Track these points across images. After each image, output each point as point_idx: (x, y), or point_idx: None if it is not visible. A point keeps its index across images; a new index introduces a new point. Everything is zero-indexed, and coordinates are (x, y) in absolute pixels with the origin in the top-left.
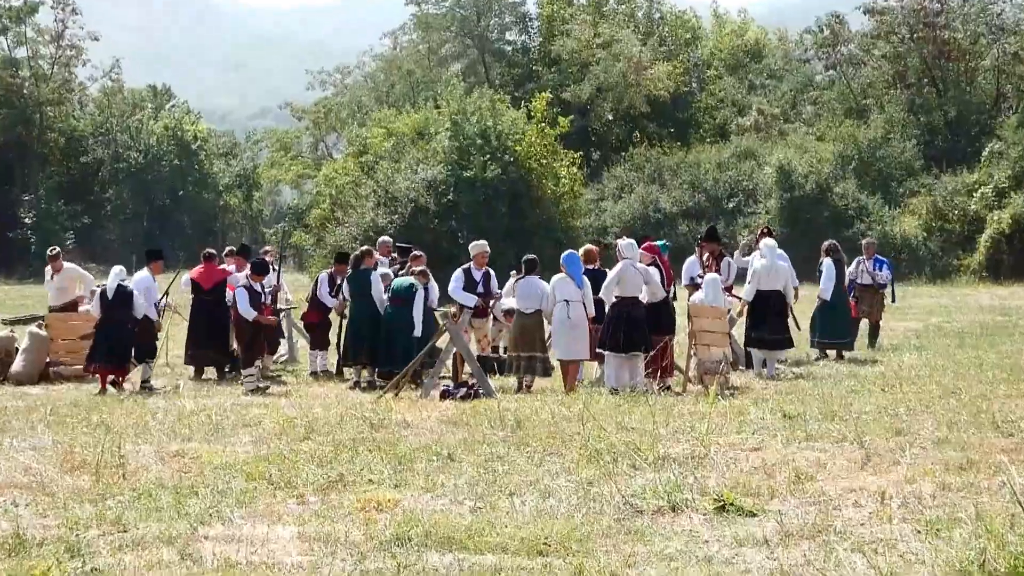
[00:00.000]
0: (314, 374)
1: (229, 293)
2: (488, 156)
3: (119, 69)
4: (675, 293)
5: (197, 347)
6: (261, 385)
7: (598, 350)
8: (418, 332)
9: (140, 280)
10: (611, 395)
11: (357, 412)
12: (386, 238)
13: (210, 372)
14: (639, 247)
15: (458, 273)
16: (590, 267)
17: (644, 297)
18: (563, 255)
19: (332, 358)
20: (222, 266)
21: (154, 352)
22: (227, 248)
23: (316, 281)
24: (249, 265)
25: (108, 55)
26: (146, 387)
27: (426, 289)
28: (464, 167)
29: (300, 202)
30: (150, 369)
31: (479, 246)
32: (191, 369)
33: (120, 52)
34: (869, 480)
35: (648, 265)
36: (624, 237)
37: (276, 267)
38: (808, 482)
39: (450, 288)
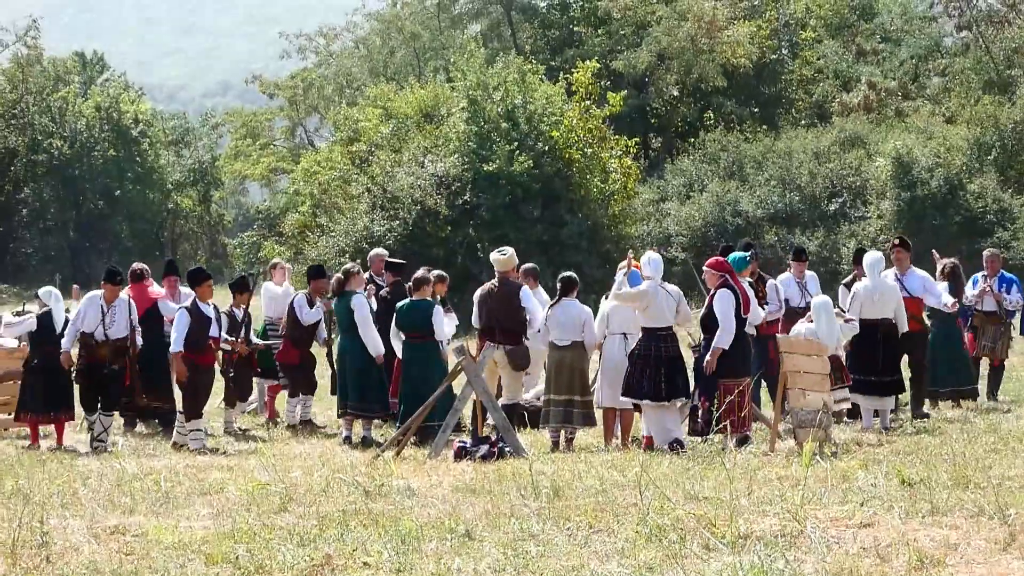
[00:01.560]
0: (292, 427)
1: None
2: (516, 144)
3: (37, 32)
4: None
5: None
6: (208, 445)
7: (628, 399)
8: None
9: (89, 299)
10: (674, 454)
11: (348, 476)
12: (380, 251)
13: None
14: (712, 261)
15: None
16: None
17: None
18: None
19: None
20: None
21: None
22: (135, 265)
23: (291, 307)
24: (187, 276)
25: (22, 14)
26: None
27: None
28: (485, 159)
29: (272, 204)
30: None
31: (508, 257)
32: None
33: (38, 10)
34: (1014, 565)
35: (718, 287)
36: (650, 250)
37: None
38: (935, 567)
39: (531, 311)
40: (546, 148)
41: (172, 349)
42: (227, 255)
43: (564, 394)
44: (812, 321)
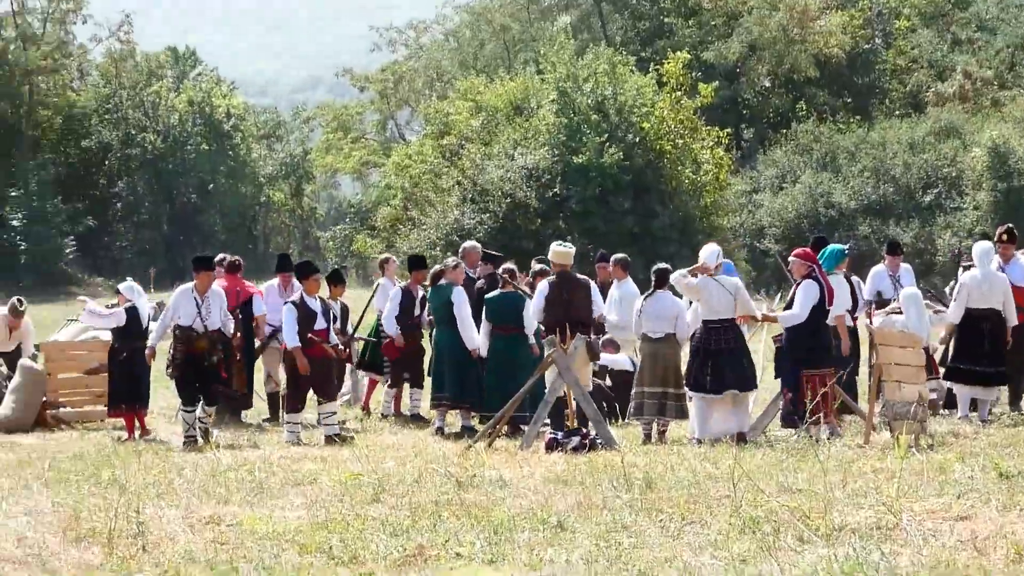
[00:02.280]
0: (386, 417)
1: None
2: (606, 136)
3: (130, 27)
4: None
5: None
6: (303, 439)
7: (691, 393)
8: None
9: (180, 292)
10: (698, 447)
11: (440, 467)
12: (473, 243)
13: (252, 415)
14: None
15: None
16: None
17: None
18: None
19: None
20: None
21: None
22: (221, 257)
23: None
24: (296, 269)
25: (115, 9)
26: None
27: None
28: (575, 151)
29: (364, 198)
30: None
31: (572, 251)
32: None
33: (131, 5)
34: None
35: (804, 277)
36: (710, 243)
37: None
38: None
39: (596, 304)
40: (636, 140)
41: (288, 345)
42: (320, 248)
43: (658, 386)
44: (902, 312)
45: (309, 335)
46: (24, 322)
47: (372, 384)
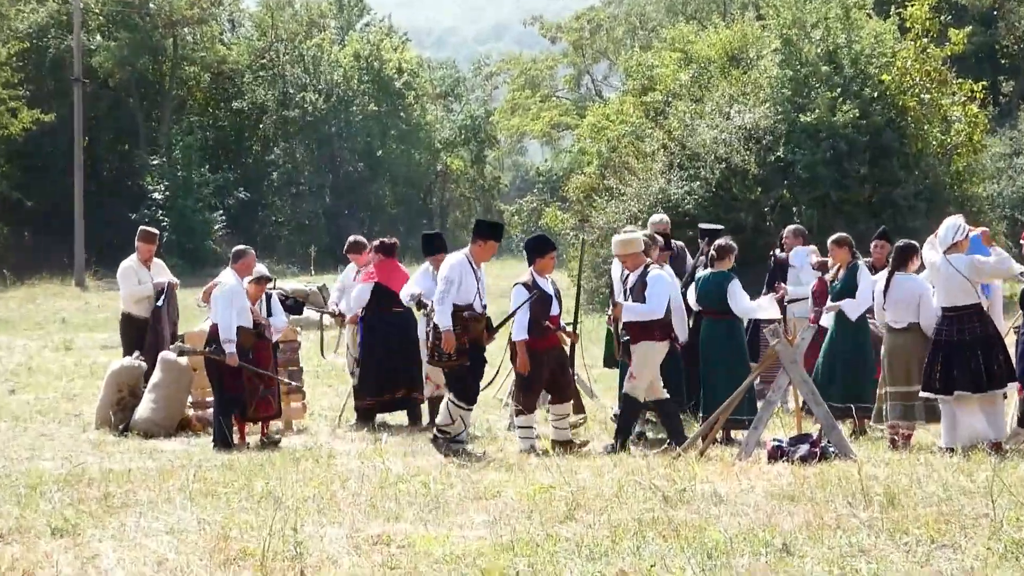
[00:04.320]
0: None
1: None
2: (839, 91)
3: None
4: None
5: (383, 386)
6: (538, 446)
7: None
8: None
9: (458, 263)
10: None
11: (644, 479)
12: (662, 216)
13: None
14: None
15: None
16: None
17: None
18: None
19: None
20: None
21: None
22: (378, 241)
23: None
24: (526, 246)
25: None
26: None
27: None
28: (802, 108)
29: (555, 165)
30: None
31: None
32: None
33: None
34: None
35: None
36: (952, 216)
37: None
38: None
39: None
40: (875, 95)
41: (515, 336)
42: (504, 224)
43: (902, 385)
44: None
45: (545, 323)
46: (156, 261)
47: None
